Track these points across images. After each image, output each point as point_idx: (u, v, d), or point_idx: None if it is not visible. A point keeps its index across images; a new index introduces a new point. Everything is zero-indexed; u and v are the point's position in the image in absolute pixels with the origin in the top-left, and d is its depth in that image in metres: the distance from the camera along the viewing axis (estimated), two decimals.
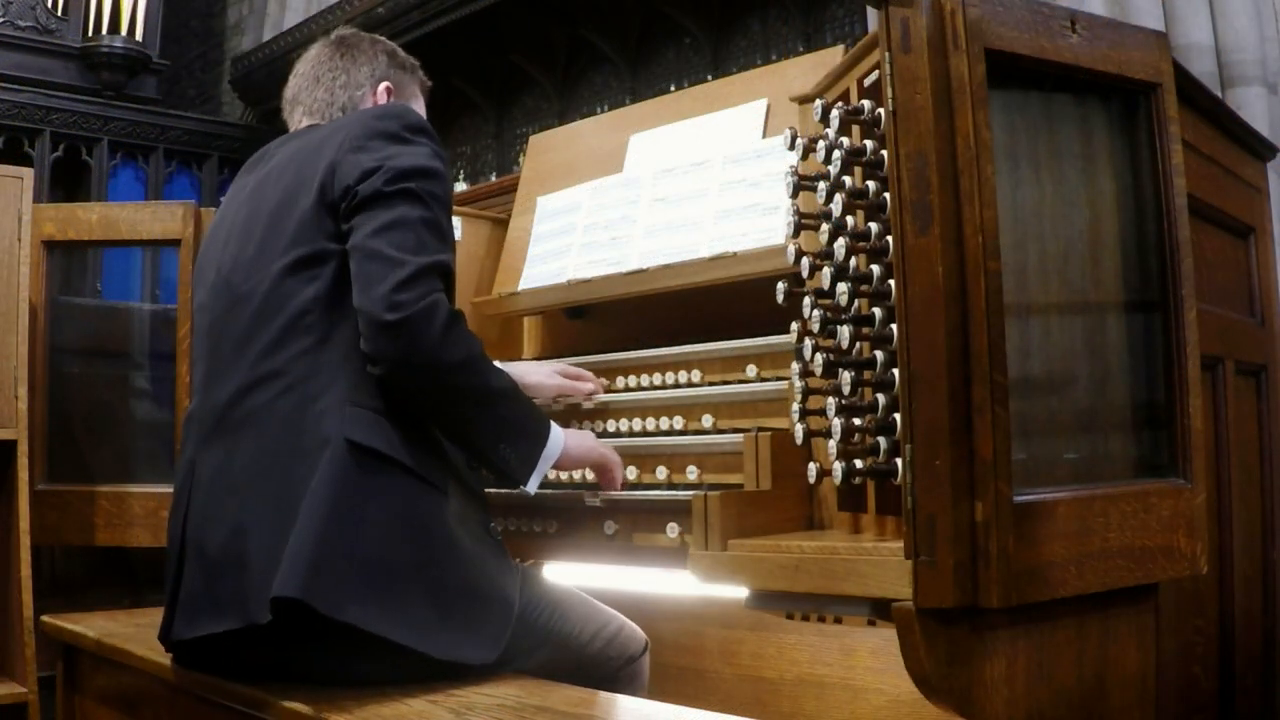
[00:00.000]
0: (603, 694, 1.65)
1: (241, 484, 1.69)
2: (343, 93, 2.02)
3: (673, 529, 1.87)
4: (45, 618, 2.39)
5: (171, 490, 1.84)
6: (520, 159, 4.62)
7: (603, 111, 5.30)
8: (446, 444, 1.77)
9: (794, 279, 1.72)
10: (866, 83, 1.65)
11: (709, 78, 5.24)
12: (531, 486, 1.80)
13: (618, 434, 2.16)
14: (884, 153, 1.52)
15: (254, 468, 1.68)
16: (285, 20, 7.08)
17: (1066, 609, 1.44)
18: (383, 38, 2.14)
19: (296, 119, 2.04)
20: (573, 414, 2.25)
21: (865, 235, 1.55)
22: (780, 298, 1.74)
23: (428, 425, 1.74)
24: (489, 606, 1.70)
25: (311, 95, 2.03)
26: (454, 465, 1.77)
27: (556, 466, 1.84)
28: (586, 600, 1.90)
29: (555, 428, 1.83)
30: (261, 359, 1.72)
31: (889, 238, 1.46)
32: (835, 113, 1.64)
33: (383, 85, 2.05)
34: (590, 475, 2.01)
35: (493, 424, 1.75)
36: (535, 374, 2.21)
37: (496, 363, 2.19)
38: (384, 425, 1.68)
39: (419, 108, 2.08)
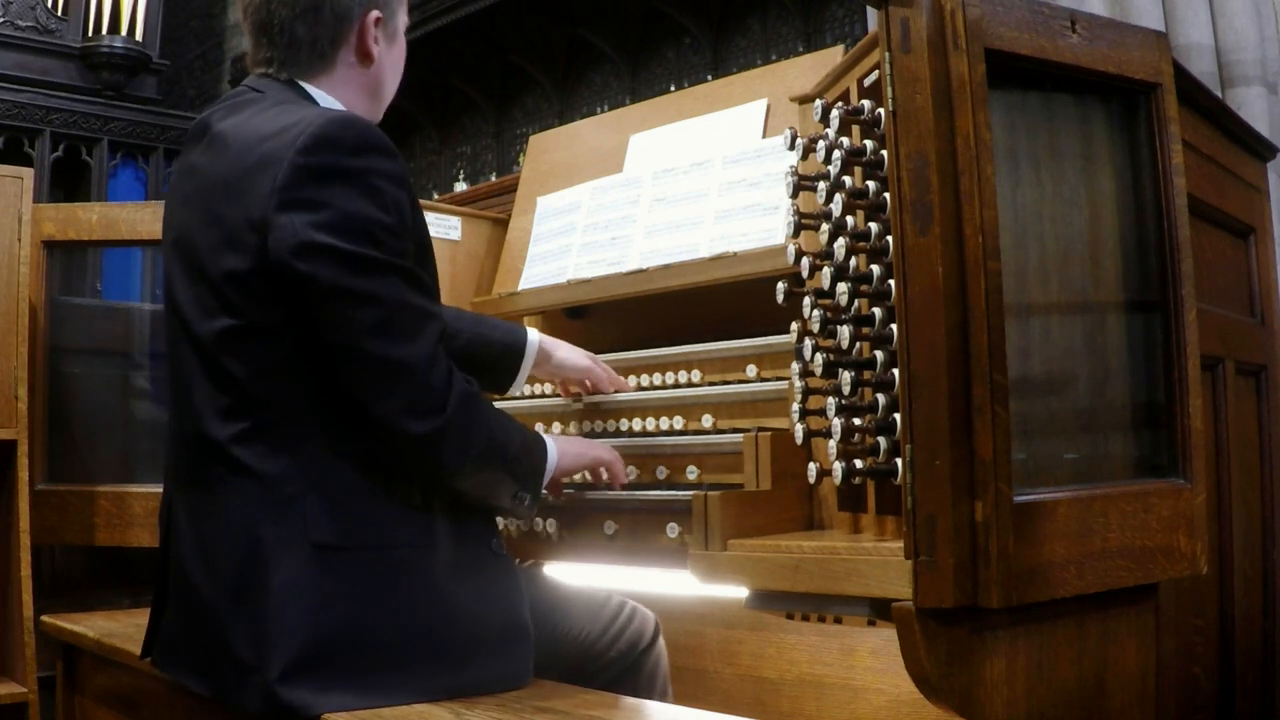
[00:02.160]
0: (603, 694, 1.65)
1: (210, 557, 1.61)
2: (326, 31, 1.71)
3: (673, 529, 1.87)
4: (45, 618, 2.39)
5: None
6: (520, 159, 4.62)
7: (603, 111, 5.30)
8: (427, 488, 1.66)
9: (794, 279, 1.72)
10: (866, 83, 1.65)
11: (709, 78, 5.24)
12: (533, 515, 1.80)
13: (618, 434, 2.16)
14: (884, 153, 1.52)
15: (218, 548, 1.60)
16: None
17: (1066, 609, 1.44)
18: None
19: (262, 56, 1.74)
20: (573, 414, 2.25)
21: (865, 235, 1.55)
22: (780, 298, 1.74)
23: (401, 482, 1.62)
24: (503, 657, 1.64)
25: (288, 30, 1.70)
26: (443, 499, 1.67)
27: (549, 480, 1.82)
28: (590, 595, 1.88)
29: (550, 446, 1.81)
30: (215, 421, 1.60)
31: (889, 238, 1.46)
32: (835, 113, 1.64)
33: (372, 14, 1.74)
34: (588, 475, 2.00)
35: (512, 482, 1.72)
36: (570, 353, 2.16)
37: (532, 331, 2.15)
38: (349, 512, 1.57)
39: (402, 20, 1.83)
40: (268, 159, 1.57)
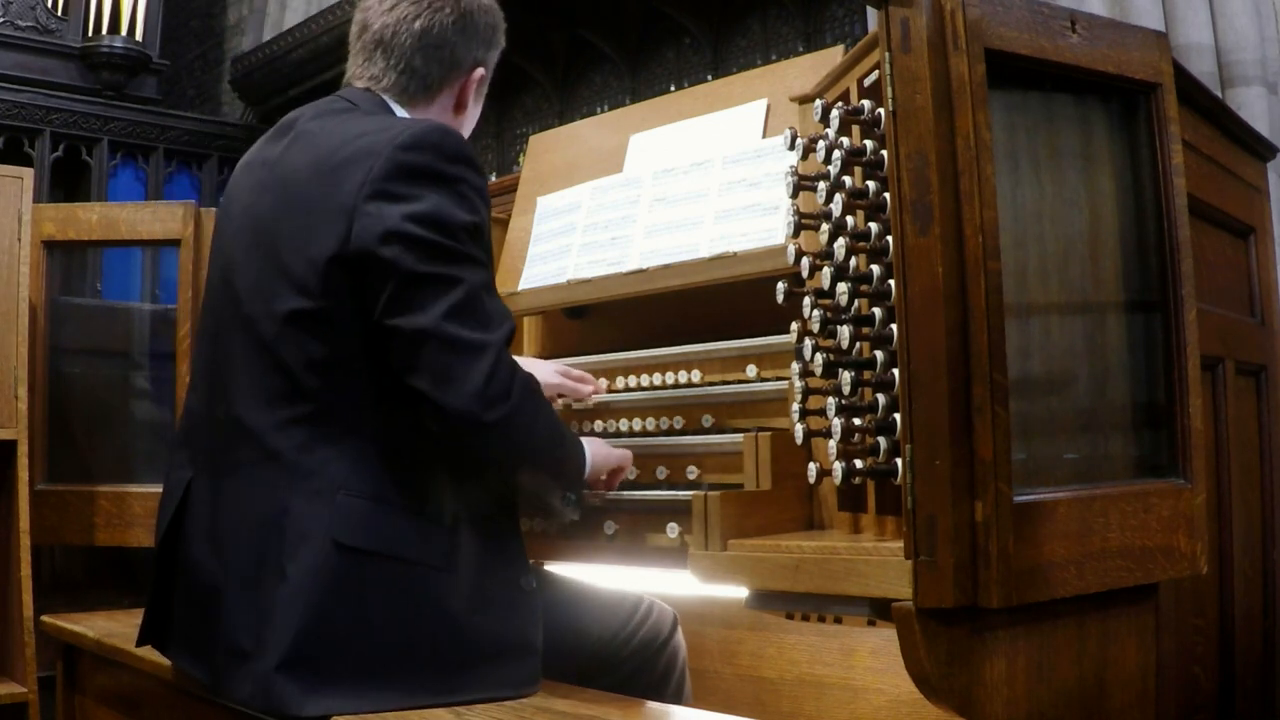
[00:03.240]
0: (603, 694, 1.65)
1: (223, 541, 1.62)
2: (439, 70, 1.78)
3: (673, 529, 1.87)
4: (45, 618, 2.39)
5: None
6: (520, 159, 4.62)
7: (603, 111, 5.30)
8: (466, 499, 1.65)
9: (794, 279, 1.72)
10: (866, 83, 1.65)
11: (709, 78, 5.24)
12: (578, 517, 1.81)
13: (618, 434, 2.16)
14: (884, 153, 1.52)
15: (235, 531, 1.60)
16: (285, 20, 7.09)
17: (1066, 609, 1.44)
18: None
19: (371, 72, 1.78)
20: (573, 414, 2.25)
21: (865, 235, 1.55)
22: (780, 298, 1.74)
23: (434, 497, 1.62)
24: (507, 673, 1.63)
25: (406, 58, 1.76)
26: (474, 526, 1.65)
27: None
28: (607, 592, 1.87)
29: (585, 447, 1.83)
30: (260, 404, 1.60)
31: (889, 238, 1.46)
32: (835, 113, 1.64)
33: (478, 72, 1.84)
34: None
35: (564, 481, 1.76)
36: (538, 372, 2.20)
37: None
38: (378, 515, 1.57)
39: (484, 93, 1.90)
40: (365, 151, 1.60)
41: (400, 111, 1.79)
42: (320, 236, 1.58)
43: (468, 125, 1.90)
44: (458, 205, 1.59)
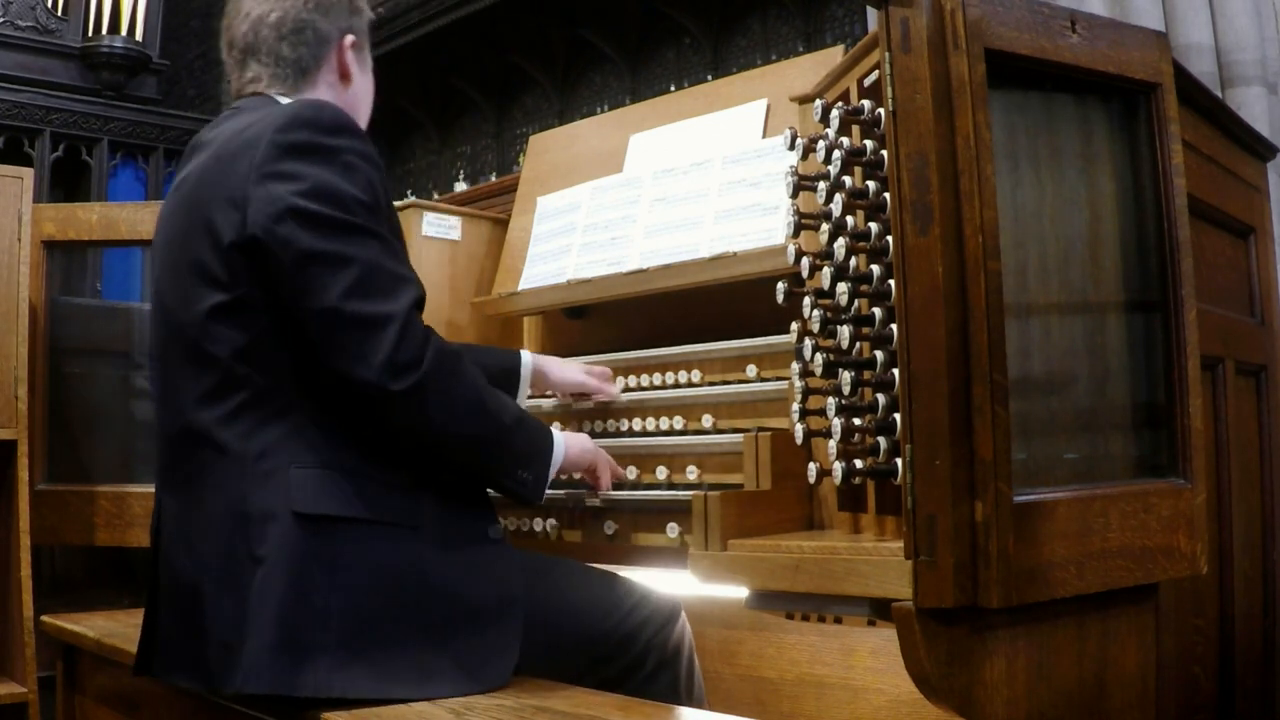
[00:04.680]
0: (603, 694, 1.65)
1: (196, 544, 1.63)
2: (309, 51, 1.81)
3: (673, 529, 1.87)
4: (45, 618, 2.39)
5: None
6: (520, 159, 4.62)
7: (603, 111, 5.30)
8: (412, 468, 1.66)
9: (794, 279, 1.72)
10: (866, 83, 1.65)
11: (709, 78, 5.25)
12: (541, 499, 1.78)
13: (618, 434, 2.16)
14: (884, 153, 1.52)
15: (205, 531, 1.62)
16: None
17: (1066, 609, 1.44)
18: None
19: (248, 76, 1.83)
20: (572, 413, 2.26)
21: (865, 235, 1.55)
22: (780, 298, 1.74)
23: (383, 461, 1.63)
24: (489, 633, 1.63)
25: (274, 51, 1.80)
26: (431, 484, 1.67)
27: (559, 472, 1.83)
28: (602, 581, 1.85)
29: (557, 435, 1.82)
30: (202, 404, 1.63)
31: (889, 238, 1.46)
32: (835, 113, 1.64)
33: (348, 39, 1.86)
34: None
35: (510, 456, 1.72)
36: (562, 370, 2.19)
37: (524, 352, 2.20)
38: (332, 481, 1.58)
39: (367, 57, 1.92)
40: (249, 141, 1.63)
41: (286, 101, 1.79)
42: (219, 228, 1.61)
43: (364, 95, 1.92)
44: (344, 177, 1.61)
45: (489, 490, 1.78)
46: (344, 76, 1.87)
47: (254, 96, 1.82)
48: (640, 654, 1.80)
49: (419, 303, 1.62)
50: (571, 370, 2.20)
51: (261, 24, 1.81)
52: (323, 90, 1.84)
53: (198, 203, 1.67)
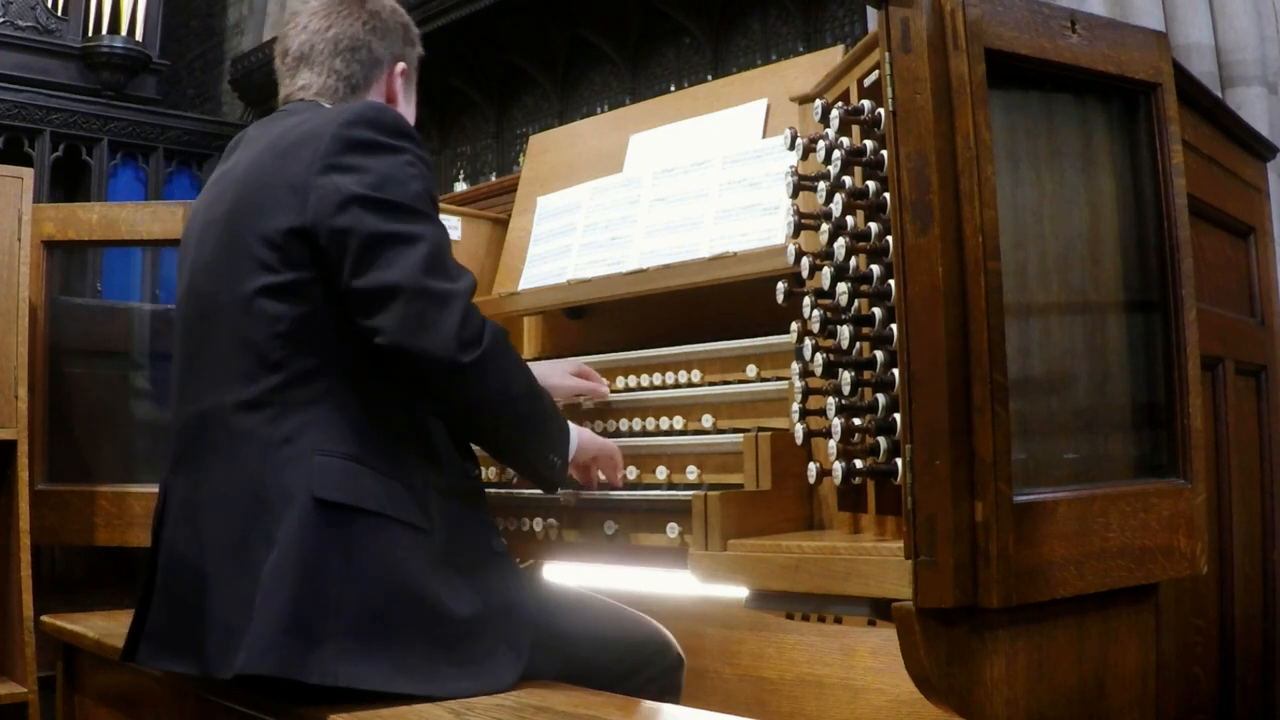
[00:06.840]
0: (603, 694, 1.65)
1: (205, 526, 1.63)
2: (361, 70, 1.86)
3: (673, 529, 1.87)
4: (45, 618, 2.39)
5: None
6: (520, 159, 4.61)
7: (603, 111, 5.30)
8: (433, 465, 1.70)
9: (794, 279, 1.72)
10: (866, 83, 1.65)
11: (709, 78, 5.25)
12: (563, 485, 1.83)
13: (618, 434, 2.16)
14: (884, 153, 1.52)
15: (216, 513, 1.62)
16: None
17: (1066, 609, 1.44)
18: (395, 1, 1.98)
19: (299, 84, 1.86)
20: (572, 414, 2.25)
21: (865, 235, 1.56)
22: (780, 298, 1.74)
23: (403, 461, 1.65)
24: (494, 639, 1.64)
25: (328, 63, 1.85)
26: (442, 491, 1.69)
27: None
28: (612, 616, 1.86)
29: (571, 425, 1.86)
30: (228, 387, 1.64)
31: (889, 238, 1.46)
32: (835, 113, 1.64)
33: (399, 66, 1.92)
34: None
35: (547, 440, 1.77)
36: (554, 375, 2.20)
37: None
38: (355, 472, 1.60)
39: (413, 90, 1.98)
40: (310, 134, 1.67)
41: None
42: (277, 213, 1.63)
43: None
44: (406, 172, 1.65)
45: (511, 472, 1.85)
46: (390, 100, 1.90)
47: (299, 103, 1.85)
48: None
49: (474, 289, 1.66)
50: (559, 377, 2.18)
51: (319, 36, 1.86)
52: None
53: (251, 189, 1.69)
